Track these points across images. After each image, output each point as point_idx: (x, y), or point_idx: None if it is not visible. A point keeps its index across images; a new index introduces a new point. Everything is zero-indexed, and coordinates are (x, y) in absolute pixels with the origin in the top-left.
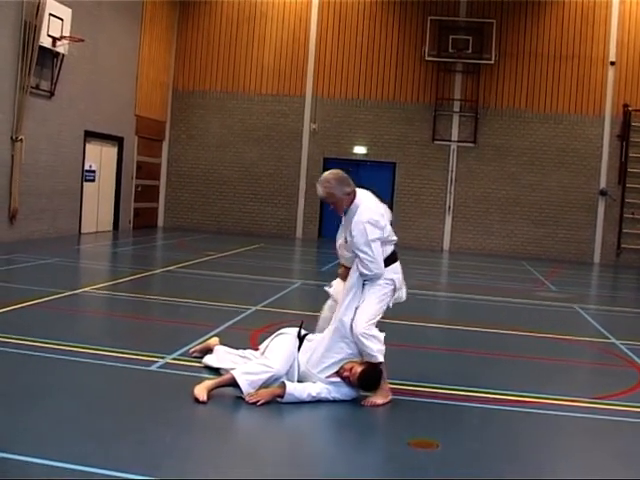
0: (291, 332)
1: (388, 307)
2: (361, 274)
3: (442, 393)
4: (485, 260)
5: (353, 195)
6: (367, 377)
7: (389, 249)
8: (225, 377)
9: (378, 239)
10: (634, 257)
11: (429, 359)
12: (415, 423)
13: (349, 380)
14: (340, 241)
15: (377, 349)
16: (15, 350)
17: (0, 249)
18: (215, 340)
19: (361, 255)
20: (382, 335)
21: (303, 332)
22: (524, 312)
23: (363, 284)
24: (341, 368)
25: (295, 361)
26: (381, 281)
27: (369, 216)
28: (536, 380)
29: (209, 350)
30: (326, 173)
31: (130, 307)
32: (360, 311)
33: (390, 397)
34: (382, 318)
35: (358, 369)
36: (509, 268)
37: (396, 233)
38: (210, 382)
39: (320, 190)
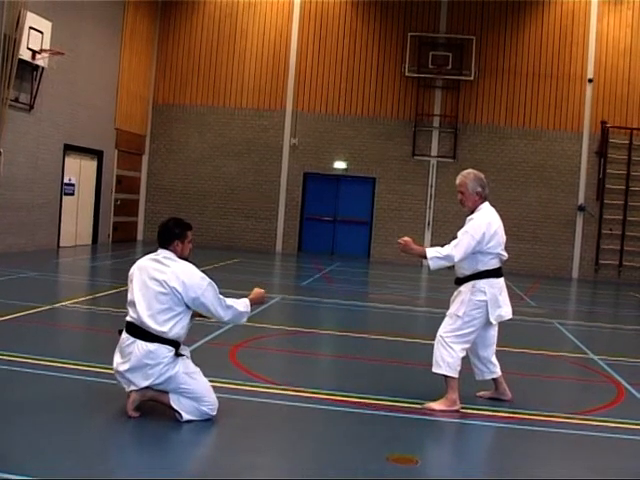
0: None
1: (491, 324)
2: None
3: (420, 409)
4: None
5: (480, 199)
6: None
7: (493, 262)
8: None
9: (475, 240)
10: (612, 273)
11: (407, 374)
12: (394, 439)
13: None
14: None
15: (443, 359)
16: None
17: None
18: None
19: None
20: (459, 354)
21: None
22: (503, 327)
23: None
24: None
25: None
26: (474, 297)
27: (481, 219)
28: (515, 395)
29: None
30: (471, 169)
31: (109, 322)
32: (448, 318)
33: (455, 407)
34: (360, 333)
35: None
36: None
37: (374, 248)
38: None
39: (458, 178)
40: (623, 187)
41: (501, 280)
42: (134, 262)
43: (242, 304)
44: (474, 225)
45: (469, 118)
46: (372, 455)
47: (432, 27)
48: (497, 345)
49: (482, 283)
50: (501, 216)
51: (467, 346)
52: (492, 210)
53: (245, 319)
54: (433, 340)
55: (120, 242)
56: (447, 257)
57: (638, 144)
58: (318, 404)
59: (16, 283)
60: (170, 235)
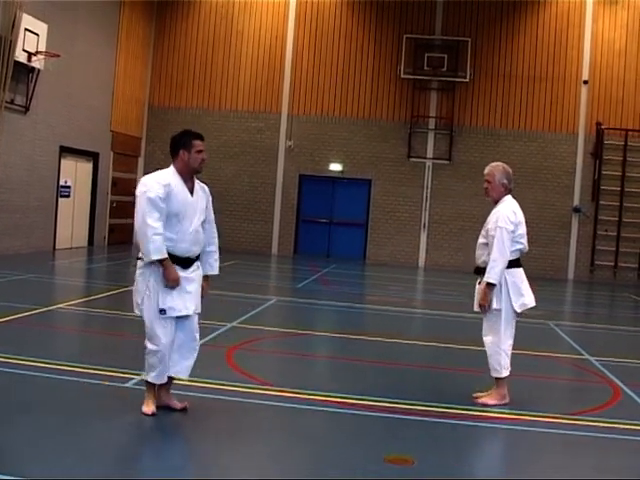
0: None
1: (516, 313)
2: (491, 255)
3: (417, 410)
4: (460, 277)
5: (505, 191)
6: None
7: (514, 253)
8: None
9: (509, 230)
10: (608, 274)
11: (404, 376)
12: (391, 439)
13: None
14: (480, 241)
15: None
16: None
17: None
18: None
19: (491, 238)
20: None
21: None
22: None
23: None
24: None
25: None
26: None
27: (506, 210)
28: (512, 396)
29: None
30: (500, 162)
31: (105, 324)
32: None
33: (505, 401)
34: (356, 335)
35: None
36: None
37: (370, 250)
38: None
39: (487, 169)
40: (618, 188)
41: (521, 270)
42: (130, 264)
43: (158, 251)
44: (503, 217)
45: (464, 120)
46: (369, 456)
47: (428, 29)
48: None
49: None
50: None
51: (512, 339)
52: (515, 202)
53: (146, 253)
54: (430, 341)
55: (116, 244)
56: (498, 262)
57: (633, 145)
58: (314, 405)
59: (12, 285)
60: (175, 144)
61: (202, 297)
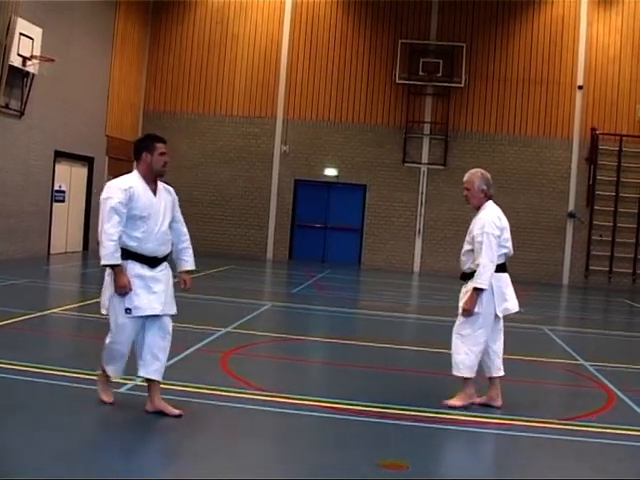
0: None
1: (497, 317)
2: (479, 261)
3: (410, 414)
4: (455, 282)
5: (485, 197)
6: None
7: (499, 258)
8: None
9: (495, 235)
10: (602, 279)
11: (396, 381)
12: (384, 444)
13: None
14: (465, 247)
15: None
16: None
17: None
18: None
19: (477, 244)
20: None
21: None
22: None
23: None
24: None
25: None
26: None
27: (490, 215)
28: (506, 401)
29: None
30: (479, 168)
31: (99, 328)
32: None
33: (472, 400)
34: (350, 340)
35: None
36: None
37: (365, 255)
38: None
39: (466, 176)
40: (613, 193)
41: (506, 275)
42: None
43: (110, 257)
44: (489, 223)
45: (459, 125)
46: (362, 461)
47: (423, 34)
48: None
49: None
50: None
51: (482, 344)
52: (497, 208)
53: (101, 257)
54: (423, 346)
55: None
56: (487, 269)
57: (628, 150)
58: (308, 411)
59: (6, 290)
60: (138, 147)
61: (187, 289)
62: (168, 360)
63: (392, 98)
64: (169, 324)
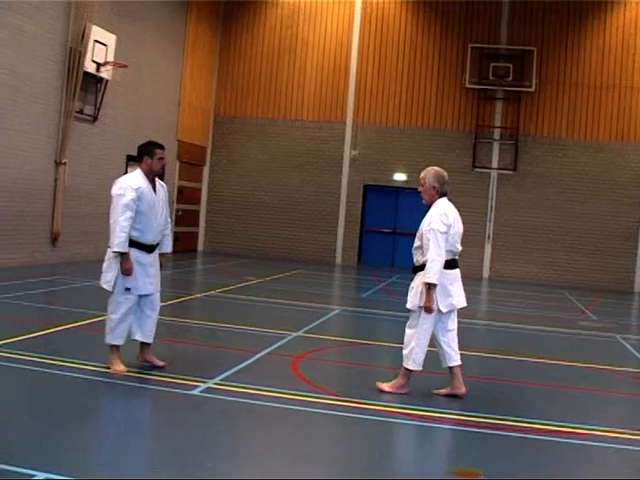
0: None
1: (439, 311)
2: (427, 256)
3: (487, 422)
4: (525, 288)
5: (436, 194)
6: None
7: (447, 255)
8: None
9: (441, 230)
10: None
11: (470, 388)
12: (459, 452)
13: None
14: (415, 244)
15: (406, 352)
16: (59, 372)
17: (43, 271)
18: None
19: (425, 240)
20: (419, 342)
21: None
22: (566, 341)
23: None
24: None
25: None
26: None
27: (436, 212)
28: (580, 410)
29: None
30: (436, 166)
31: (171, 331)
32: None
33: (402, 391)
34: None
35: None
36: (549, 297)
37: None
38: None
39: (422, 173)
40: None
41: (454, 271)
42: (194, 272)
43: (121, 246)
44: (433, 219)
45: (530, 130)
46: (436, 468)
47: (493, 38)
48: (563, 360)
49: None
50: (562, 229)
51: (427, 338)
52: (449, 204)
53: (113, 245)
54: (499, 354)
55: (181, 252)
56: (435, 263)
57: None
58: (378, 416)
59: (80, 291)
60: (140, 152)
61: (161, 268)
62: (240, 364)
63: (462, 102)
64: (158, 299)
